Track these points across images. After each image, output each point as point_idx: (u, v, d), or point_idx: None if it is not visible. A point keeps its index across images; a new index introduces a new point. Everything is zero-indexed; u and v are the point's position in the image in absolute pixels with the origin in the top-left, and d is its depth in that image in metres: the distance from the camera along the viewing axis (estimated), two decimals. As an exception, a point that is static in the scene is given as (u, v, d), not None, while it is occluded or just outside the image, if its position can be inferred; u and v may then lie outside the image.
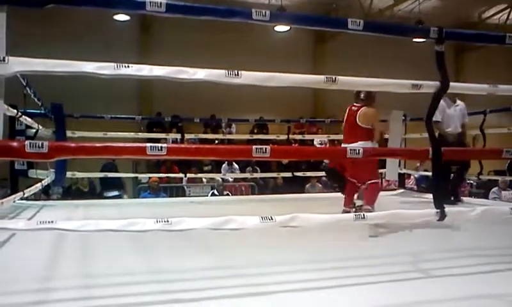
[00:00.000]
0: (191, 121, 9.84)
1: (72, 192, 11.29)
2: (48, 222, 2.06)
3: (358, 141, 4.43)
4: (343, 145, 4.66)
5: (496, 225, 3.93)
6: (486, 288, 2.45)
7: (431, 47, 2.85)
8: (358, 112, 4.61)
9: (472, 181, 11.36)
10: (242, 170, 11.89)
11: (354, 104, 4.71)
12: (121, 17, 13.69)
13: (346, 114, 4.79)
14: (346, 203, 4.77)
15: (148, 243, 3.41)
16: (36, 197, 6.71)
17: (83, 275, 2.69)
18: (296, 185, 10.56)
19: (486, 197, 9.32)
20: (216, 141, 12.23)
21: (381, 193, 4.63)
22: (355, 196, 4.73)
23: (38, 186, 5.75)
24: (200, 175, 10.44)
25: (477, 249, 3.30)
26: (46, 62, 2.17)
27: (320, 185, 11.71)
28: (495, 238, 3.76)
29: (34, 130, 5.89)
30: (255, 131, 13.92)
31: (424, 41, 2.97)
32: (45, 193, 8.73)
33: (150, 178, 9.55)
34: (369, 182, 4.52)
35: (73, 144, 2.14)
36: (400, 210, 2.72)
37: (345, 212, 4.56)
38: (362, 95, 4.63)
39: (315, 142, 12.86)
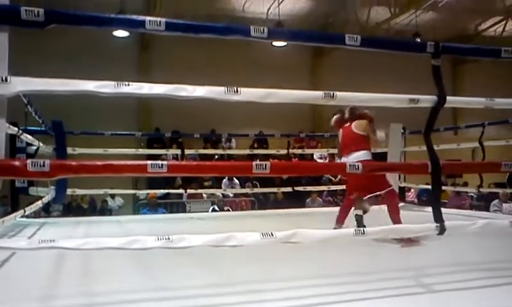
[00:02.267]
0: (191, 137, 9.87)
1: (73, 208, 11.31)
2: (50, 241, 2.06)
3: (359, 148, 4.48)
4: (343, 159, 4.68)
5: (498, 238, 3.93)
6: (488, 302, 2.44)
7: (430, 59, 2.88)
8: (352, 124, 4.68)
9: (472, 194, 11.36)
10: (243, 185, 11.90)
11: (345, 124, 4.79)
12: (121, 34, 13.76)
13: (341, 134, 4.84)
14: (339, 220, 4.72)
15: (149, 260, 3.40)
16: (36, 214, 6.71)
17: (85, 294, 2.68)
18: (297, 200, 10.55)
19: (487, 209, 9.30)
20: (216, 156, 12.26)
21: (381, 206, 4.62)
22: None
23: (39, 204, 5.76)
24: (200, 191, 10.44)
25: (479, 263, 3.29)
26: (48, 82, 2.18)
27: (320, 200, 11.70)
28: (497, 251, 3.76)
29: (35, 148, 5.91)
30: (255, 146, 13.94)
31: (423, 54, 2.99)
32: (45, 210, 8.73)
33: (147, 194, 9.55)
34: (385, 191, 4.46)
35: (74, 163, 2.15)
36: (400, 225, 2.72)
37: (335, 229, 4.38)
38: (347, 115, 4.74)
39: (315, 157, 12.89)
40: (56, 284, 2.93)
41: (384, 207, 4.52)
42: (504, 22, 16.53)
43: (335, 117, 4.93)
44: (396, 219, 4.28)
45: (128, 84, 2.32)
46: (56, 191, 6.11)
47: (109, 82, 2.30)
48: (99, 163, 2.16)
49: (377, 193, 4.52)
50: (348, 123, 4.75)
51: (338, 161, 4.91)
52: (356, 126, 4.64)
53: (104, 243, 2.20)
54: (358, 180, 4.54)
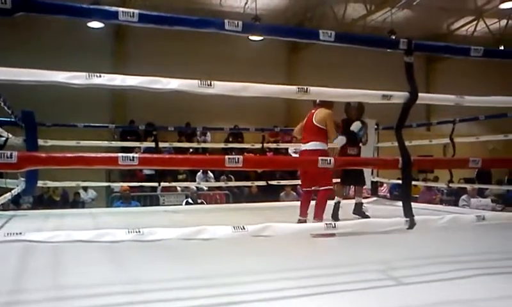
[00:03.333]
0: (165, 130, 9.79)
1: (44, 201, 11.11)
2: (16, 233, 2.02)
3: (314, 140, 4.70)
4: (302, 146, 4.89)
5: (464, 232, 4.03)
6: (453, 294, 2.50)
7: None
8: (315, 113, 4.84)
9: (442, 189, 11.60)
10: (217, 178, 11.87)
11: (313, 109, 4.94)
12: (96, 25, 13.52)
13: (306, 118, 5.02)
14: (302, 213, 4.83)
15: (121, 253, 3.38)
16: (4, 207, 6.56)
17: (53, 288, 2.64)
18: (271, 194, 10.59)
19: (456, 204, 9.51)
20: (191, 150, 12.19)
21: (346, 201, 4.71)
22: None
23: (7, 196, 5.63)
24: (174, 184, 10.38)
25: (446, 256, 3.36)
26: (14, 72, 2.13)
27: (294, 194, 11.77)
28: (464, 245, 3.85)
29: (4, 139, 5.77)
30: (230, 139, 13.92)
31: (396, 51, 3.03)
32: (15, 203, 8.55)
33: (122, 186, 9.45)
34: (322, 188, 4.64)
35: (43, 155, 2.11)
36: (370, 219, 2.76)
37: (300, 222, 4.60)
38: (317, 100, 4.86)
39: (289, 151, 12.93)
40: (24, 278, 2.88)
41: (352, 201, 4.66)
42: (475, 22, 16.88)
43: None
44: (317, 214, 4.51)
45: (100, 76, 2.29)
46: (26, 183, 5.99)
47: (80, 73, 2.26)
48: (69, 155, 2.13)
49: (315, 188, 4.71)
50: (314, 110, 4.90)
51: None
52: (316, 118, 4.81)
53: (74, 236, 2.17)
54: (306, 173, 4.89)
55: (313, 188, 4.80)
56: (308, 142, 4.77)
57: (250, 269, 3.04)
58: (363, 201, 5.76)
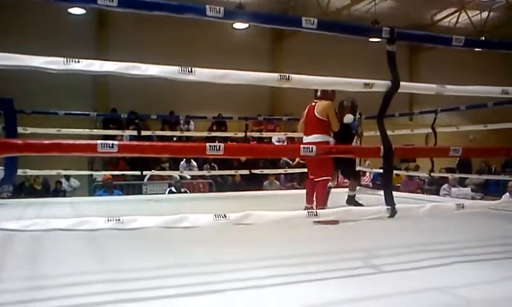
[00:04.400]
0: (148, 118, 9.69)
1: (25, 189, 10.95)
2: (-8, 222, 1.98)
3: (316, 132, 4.71)
4: (304, 139, 4.90)
5: (444, 220, 4.08)
6: (432, 281, 2.53)
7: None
8: (316, 106, 4.86)
9: (424, 179, 11.72)
10: (201, 167, 11.83)
11: (314, 101, 4.96)
12: (76, 11, 13.30)
13: (306, 110, 5.01)
14: (308, 201, 4.93)
15: (101, 242, 3.35)
16: (-16, 196, 6.45)
17: (31, 277, 2.60)
18: (254, 183, 10.60)
19: (437, 193, 9.63)
20: (175, 138, 12.11)
21: (337, 190, 4.74)
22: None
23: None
24: (157, 172, 10.31)
25: (427, 244, 3.40)
26: (-12, 56, 2.08)
27: (278, 183, 11.80)
28: (444, 233, 3.90)
29: (-19, 126, 5.66)
30: (214, 128, 13.87)
31: (380, 41, 3.03)
32: (-6, 191, 8.41)
33: (104, 175, 9.36)
34: (319, 179, 4.71)
35: (19, 141, 2.06)
36: (352, 207, 2.77)
37: (306, 208, 4.68)
38: (319, 93, 4.92)
39: (273, 140, 12.95)
40: (1, 267, 2.83)
41: (338, 189, 4.71)
42: (457, 14, 17.01)
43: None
44: (318, 205, 4.56)
45: (78, 61, 2.25)
46: (5, 171, 5.88)
47: (58, 58, 2.21)
48: (46, 142, 2.08)
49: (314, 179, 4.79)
50: (314, 102, 4.92)
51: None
52: (318, 110, 4.81)
53: (52, 224, 2.13)
54: (308, 163, 5.00)
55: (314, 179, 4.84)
56: (310, 134, 4.77)
57: (233, 257, 3.03)
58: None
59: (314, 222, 3.66)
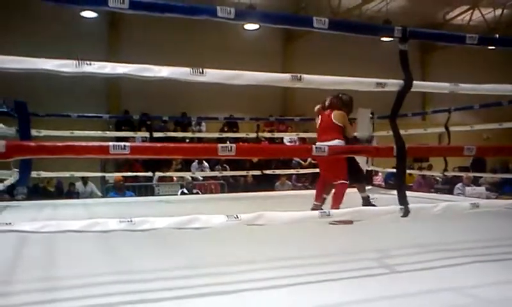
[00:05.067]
0: (160, 119, 9.73)
1: (38, 191, 11.06)
2: (6, 224, 2.00)
3: (333, 137, 4.77)
4: (318, 143, 4.82)
5: (458, 220, 4.03)
6: (447, 281, 2.50)
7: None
8: (332, 113, 4.94)
9: (437, 178, 11.63)
10: (212, 168, 11.86)
11: (326, 111, 5.04)
12: (88, 14, 13.42)
13: (320, 119, 5.10)
14: (317, 198, 4.99)
15: (114, 243, 3.37)
16: (-1, 198, 6.53)
17: (45, 279, 2.62)
18: (266, 183, 10.59)
19: (450, 193, 9.54)
20: (187, 140, 12.15)
21: (348, 190, 4.73)
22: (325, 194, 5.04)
23: (0, 186, 5.60)
24: (169, 174, 10.35)
25: (440, 244, 3.37)
26: (4, 59, 2.09)
27: (290, 183, 11.78)
28: (458, 232, 3.86)
29: (-4, 129, 5.71)
30: (225, 129, 13.89)
31: (392, 41, 3.01)
32: (9, 193, 8.50)
33: (115, 177, 9.40)
34: (338, 182, 4.73)
35: (32, 144, 2.09)
36: (365, 207, 2.75)
37: (315, 206, 4.77)
38: (327, 103, 5.06)
39: (284, 140, 12.94)
40: (15, 268, 2.86)
41: (350, 190, 4.72)
42: (470, 11, 16.84)
43: (318, 107, 5.19)
44: (333, 206, 4.52)
45: (90, 64, 2.26)
46: (20, 173, 5.94)
47: (70, 61, 2.23)
48: (59, 144, 2.10)
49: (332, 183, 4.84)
50: (328, 111, 5.00)
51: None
52: (336, 117, 4.91)
53: (64, 226, 2.15)
54: (321, 168, 5.13)
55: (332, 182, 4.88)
56: (329, 140, 4.76)
57: (244, 258, 3.03)
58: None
59: (330, 223, 3.72)
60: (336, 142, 4.74)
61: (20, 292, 2.37)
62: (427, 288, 2.39)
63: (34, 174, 6.77)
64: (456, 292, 2.34)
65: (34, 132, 6.32)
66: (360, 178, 5.57)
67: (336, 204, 4.61)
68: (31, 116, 6.24)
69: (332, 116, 4.92)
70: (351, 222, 3.94)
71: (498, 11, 16.72)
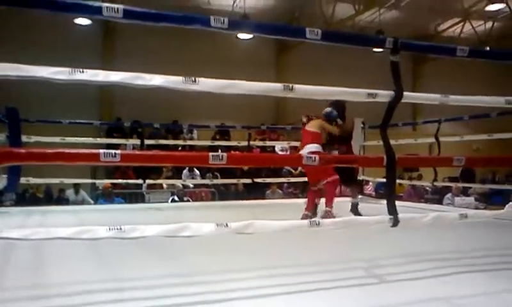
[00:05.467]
0: (151, 127, 9.71)
1: (27, 198, 10.97)
2: (-5, 230, 1.99)
3: (310, 142, 5.11)
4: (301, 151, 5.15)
5: (447, 230, 4.06)
6: (436, 291, 2.52)
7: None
8: (307, 125, 5.35)
9: (427, 188, 11.69)
10: (203, 176, 11.84)
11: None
12: (83, 21, 13.41)
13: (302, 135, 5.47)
14: (307, 208, 5.14)
15: (103, 251, 3.35)
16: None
17: (33, 286, 2.60)
18: (257, 191, 10.59)
19: (440, 203, 9.59)
20: (180, 148, 12.13)
21: (340, 199, 4.79)
22: (317, 200, 5.26)
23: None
24: (159, 181, 10.32)
25: (429, 254, 3.39)
26: (-2, 66, 2.10)
27: (280, 192, 11.79)
28: (447, 242, 3.89)
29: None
30: (217, 137, 13.89)
31: (384, 52, 3.04)
32: (-2, 199, 8.43)
33: (104, 184, 9.37)
34: (325, 181, 4.97)
35: (22, 150, 2.08)
36: (355, 217, 2.77)
37: (305, 215, 4.90)
38: (304, 120, 5.46)
39: (276, 149, 12.96)
40: (4, 275, 2.83)
41: (341, 199, 4.81)
42: (461, 24, 17.03)
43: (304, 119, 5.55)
44: (327, 203, 4.90)
45: (83, 71, 2.26)
46: (8, 179, 5.90)
47: (63, 68, 2.23)
48: (49, 151, 2.10)
49: (321, 185, 5.10)
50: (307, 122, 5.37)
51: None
52: (310, 125, 5.28)
53: (53, 233, 2.14)
54: (308, 169, 5.36)
55: (318, 185, 5.17)
56: (305, 145, 5.09)
57: (234, 267, 3.03)
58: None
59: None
60: (310, 146, 4.99)
61: (8, 300, 2.35)
62: (417, 298, 2.40)
63: (23, 180, 6.73)
64: (445, 302, 2.36)
65: (24, 138, 6.29)
66: (354, 181, 5.65)
67: (330, 202, 4.88)
68: (21, 122, 6.21)
69: (307, 126, 5.28)
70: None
71: (489, 24, 16.92)
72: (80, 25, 13.49)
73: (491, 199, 11.43)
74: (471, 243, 3.93)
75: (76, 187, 10.77)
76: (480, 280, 2.77)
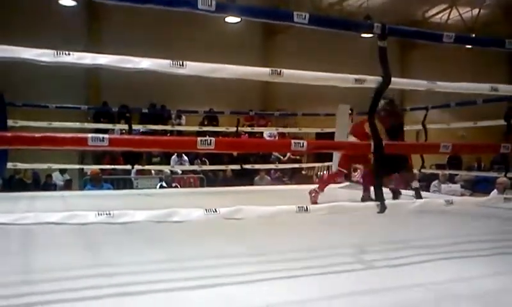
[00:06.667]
0: (139, 111, 9.64)
1: (14, 183, 10.89)
2: (-19, 215, 1.97)
3: None
4: None
5: (433, 216, 4.11)
6: (419, 277, 2.54)
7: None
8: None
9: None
10: (192, 162, 11.82)
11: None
12: (67, 2, 13.20)
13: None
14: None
15: (92, 237, 3.34)
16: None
17: (22, 272, 2.59)
18: (246, 178, 10.61)
19: (427, 189, 9.69)
20: (168, 134, 12.07)
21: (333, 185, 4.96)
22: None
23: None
24: (148, 167, 10.29)
25: (415, 240, 3.43)
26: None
27: (268, 178, 11.83)
28: (432, 229, 3.94)
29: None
30: (205, 123, 13.85)
31: (372, 37, 3.04)
32: (-16, 185, 8.37)
33: (92, 169, 9.31)
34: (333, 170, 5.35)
35: (8, 134, 2.05)
36: (342, 202, 2.79)
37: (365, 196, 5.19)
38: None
39: (264, 135, 12.97)
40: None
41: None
42: (449, 10, 17.10)
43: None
44: (320, 186, 5.18)
45: (69, 54, 2.23)
46: (-5, 165, 5.84)
47: (48, 50, 2.20)
48: (36, 135, 2.07)
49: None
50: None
51: None
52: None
53: (42, 218, 2.12)
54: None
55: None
56: None
57: (222, 252, 3.04)
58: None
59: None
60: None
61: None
62: (399, 284, 2.42)
63: (10, 165, 6.66)
64: (427, 288, 2.38)
65: (10, 123, 6.21)
66: (405, 169, 5.64)
67: (322, 186, 5.11)
68: (7, 106, 6.13)
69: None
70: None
71: (476, 11, 17.00)
72: (65, 6, 13.25)
73: (477, 186, 11.58)
74: (456, 229, 3.98)
75: (61, 170, 10.78)
76: (464, 266, 2.79)
